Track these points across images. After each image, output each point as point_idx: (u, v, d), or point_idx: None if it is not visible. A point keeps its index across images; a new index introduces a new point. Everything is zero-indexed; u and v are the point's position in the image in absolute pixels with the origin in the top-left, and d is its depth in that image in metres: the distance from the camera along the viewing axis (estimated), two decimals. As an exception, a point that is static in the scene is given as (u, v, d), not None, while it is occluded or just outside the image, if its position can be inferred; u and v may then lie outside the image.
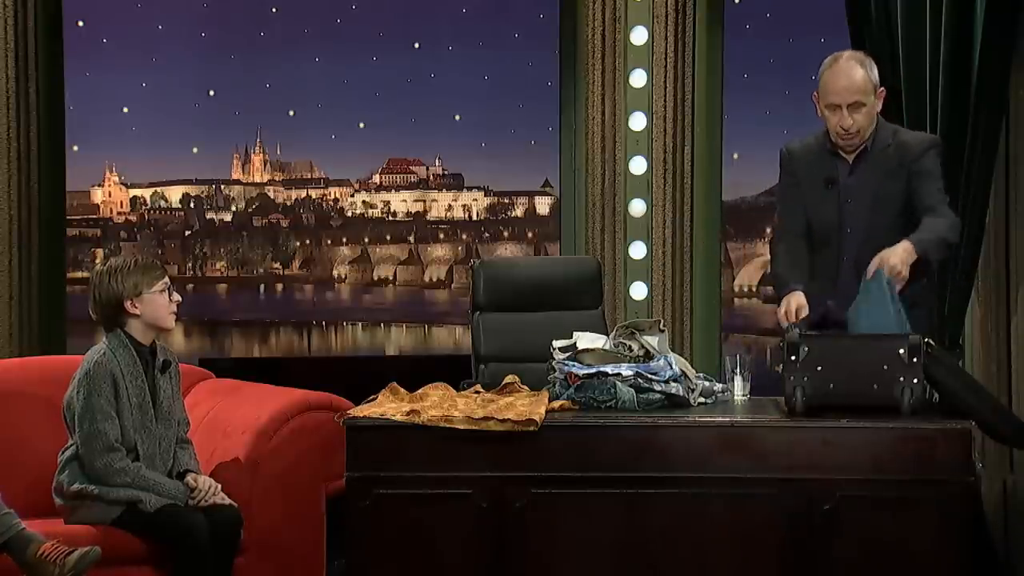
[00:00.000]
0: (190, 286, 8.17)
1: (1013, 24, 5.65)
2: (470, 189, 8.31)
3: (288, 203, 8.30)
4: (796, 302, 4.45)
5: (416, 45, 7.67)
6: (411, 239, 8.37)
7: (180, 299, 4.57)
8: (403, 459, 4.03)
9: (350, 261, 8.31)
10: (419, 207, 8.34)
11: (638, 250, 6.06)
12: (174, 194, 8.28)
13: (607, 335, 4.41)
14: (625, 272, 6.05)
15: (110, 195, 8.07)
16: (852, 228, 4.57)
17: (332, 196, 8.32)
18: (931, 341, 4.04)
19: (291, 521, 4.63)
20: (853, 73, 4.48)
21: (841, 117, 4.50)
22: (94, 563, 4.11)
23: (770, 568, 3.98)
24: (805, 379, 4.03)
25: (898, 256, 4.29)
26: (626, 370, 4.19)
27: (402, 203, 8.32)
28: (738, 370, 4.44)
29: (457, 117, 7.74)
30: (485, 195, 8.30)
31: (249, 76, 7.65)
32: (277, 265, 8.27)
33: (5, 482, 4.44)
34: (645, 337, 4.31)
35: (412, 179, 8.33)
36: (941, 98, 5.60)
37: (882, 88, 4.57)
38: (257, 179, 8.31)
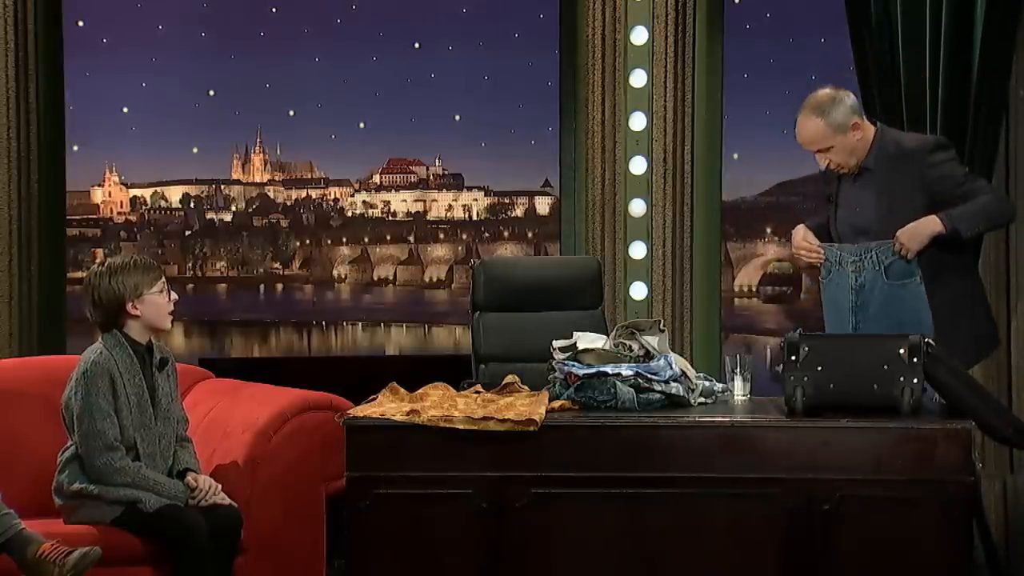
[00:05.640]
0: (190, 286, 8.16)
1: (1013, 24, 5.65)
2: (470, 189, 8.31)
3: (288, 203, 8.30)
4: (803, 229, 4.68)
5: (416, 45, 7.67)
6: (411, 239, 8.36)
7: (177, 298, 4.58)
8: (403, 459, 4.03)
9: (350, 261, 8.30)
10: (419, 207, 8.34)
11: (638, 250, 6.05)
12: (174, 194, 8.27)
13: (607, 335, 4.41)
14: (625, 272, 6.05)
15: (110, 195, 8.07)
16: (869, 232, 4.62)
17: (332, 196, 8.32)
18: (931, 341, 4.04)
19: (291, 521, 4.63)
20: (803, 129, 4.65)
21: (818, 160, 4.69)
22: (94, 563, 4.11)
23: (770, 568, 3.99)
24: (805, 379, 4.04)
25: (906, 231, 4.46)
26: (626, 370, 4.19)
27: (402, 203, 8.31)
28: (738, 370, 4.44)
29: (457, 117, 7.73)
30: (485, 195, 8.29)
31: (249, 76, 7.64)
32: (277, 265, 8.26)
33: (5, 482, 4.44)
34: (645, 337, 4.31)
35: (412, 179, 8.32)
36: (941, 98, 5.59)
37: (856, 121, 4.61)
38: (257, 179, 8.30)
